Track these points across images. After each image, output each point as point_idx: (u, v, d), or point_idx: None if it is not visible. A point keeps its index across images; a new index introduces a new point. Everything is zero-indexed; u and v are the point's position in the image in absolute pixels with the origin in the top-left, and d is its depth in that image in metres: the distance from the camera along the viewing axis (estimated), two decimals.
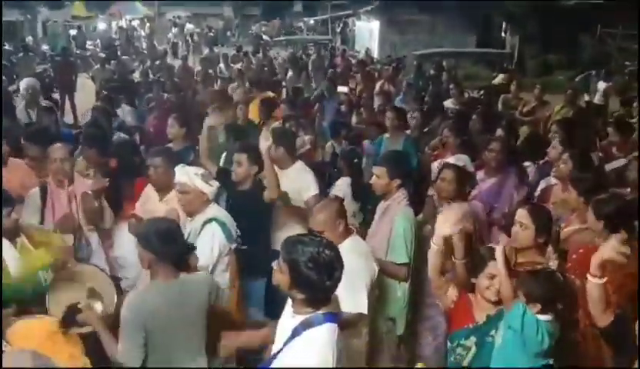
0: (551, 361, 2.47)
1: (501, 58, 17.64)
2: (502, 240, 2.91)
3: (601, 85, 11.19)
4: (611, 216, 3.02)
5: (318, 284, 2.13)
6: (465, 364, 2.63)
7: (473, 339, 2.62)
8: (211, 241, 3.32)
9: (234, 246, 3.49)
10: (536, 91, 8.12)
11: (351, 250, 2.87)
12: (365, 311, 2.85)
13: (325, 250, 2.15)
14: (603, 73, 11.85)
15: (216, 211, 3.49)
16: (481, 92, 10.35)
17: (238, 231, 3.55)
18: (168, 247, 2.64)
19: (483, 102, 8.51)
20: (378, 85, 10.08)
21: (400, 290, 3.50)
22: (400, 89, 10.02)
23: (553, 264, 2.87)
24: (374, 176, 3.60)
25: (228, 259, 3.45)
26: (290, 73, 12.60)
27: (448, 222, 2.77)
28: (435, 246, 2.82)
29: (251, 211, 3.83)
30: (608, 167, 4.86)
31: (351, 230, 3.15)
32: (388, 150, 4.91)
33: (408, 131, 5.87)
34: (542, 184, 4.46)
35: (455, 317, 2.79)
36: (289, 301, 2.33)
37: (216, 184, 3.53)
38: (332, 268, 2.14)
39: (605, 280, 2.39)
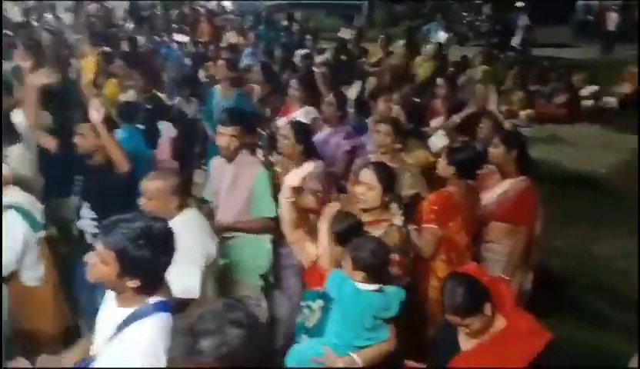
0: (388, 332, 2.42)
1: (352, 9, 17.85)
2: (332, 205, 2.81)
3: (442, 35, 11.81)
4: (461, 163, 3.22)
5: (154, 262, 1.87)
6: (308, 325, 2.53)
7: (320, 302, 2.50)
8: (11, 231, 2.82)
9: (41, 234, 3.00)
10: (380, 42, 8.25)
11: (183, 225, 2.56)
12: (197, 294, 2.58)
13: (153, 223, 1.90)
14: (443, 23, 12.54)
15: (16, 195, 2.95)
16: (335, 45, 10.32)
17: (93, 213, 3.17)
18: None
19: (333, 55, 8.45)
20: (225, 37, 9.55)
21: (268, 244, 3.40)
22: (250, 41, 9.62)
23: (398, 220, 2.84)
24: (225, 136, 3.33)
25: (38, 250, 2.98)
26: (129, 24, 11.46)
27: (296, 175, 2.82)
28: (284, 200, 2.81)
29: (105, 188, 3.31)
30: (433, 123, 4.95)
31: (187, 206, 2.86)
32: (230, 108, 4.48)
33: (255, 86, 5.55)
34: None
35: (310, 276, 2.70)
36: (110, 295, 2.00)
37: (21, 162, 2.97)
38: (166, 240, 1.90)
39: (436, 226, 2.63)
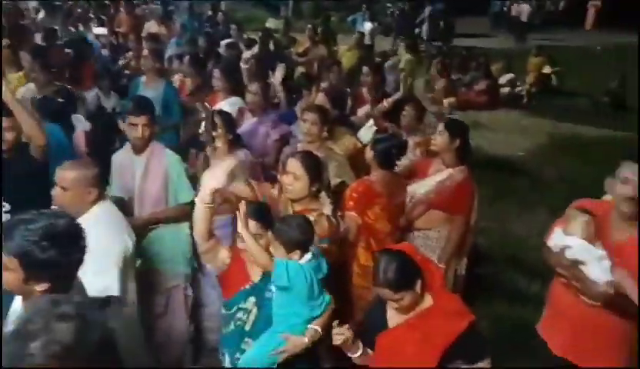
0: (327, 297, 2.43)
1: (278, 0, 17.75)
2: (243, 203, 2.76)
3: (367, 26, 11.98)
4: (382, 152, 3.28)
5: (62, 263, 1.74)
6: (248, 328, 2.44)
7: (252, 299, 2.43)
8: None
9: None
10: (308, 33, 8.26)
11: (100, 220, 2.45)
12: (116, 292, 2.45)
13: (57, 220, 1.77)
14: (368, 14, 12.73)
15: None
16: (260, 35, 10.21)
17: (7, 205, 2.97)
18: None
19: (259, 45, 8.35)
20: (146, 27, 9.17)
21: (187, 228, 3.27)
22: (174, 32, 9.31)
23: (327, 209, 2.83)
24: (138, 126, 3.18)
25: None
26: (41, 14, 10.77)
27: (216, 175, 2.45)
28: (201, 205, 2.46)
29: (20, 178, 3.07)
30: (360, 112, 4.99)
31: (104, 198, 2.69)
32: (137, 96, 4.26)
33: (176, 77, 5.36)
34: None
35: (231, 280, 2.55)
36: (18, 300, 1.87)
37: None
38: (73, 236, 1.79)
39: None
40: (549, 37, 18.17)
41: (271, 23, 11.55)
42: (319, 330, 2.37)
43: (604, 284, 2.30)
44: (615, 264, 2.32)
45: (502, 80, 11.37)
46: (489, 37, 18.32)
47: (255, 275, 2.49)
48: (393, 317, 2.25)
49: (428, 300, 2.22)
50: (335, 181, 3.51)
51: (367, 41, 11.60)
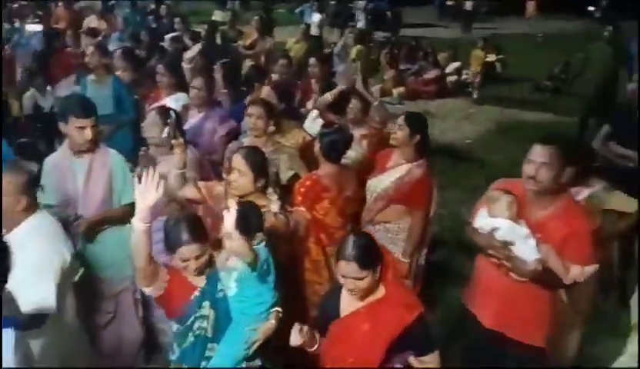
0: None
1: None
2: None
3: (315, 17, 11.95)
4: (327, 146, 3.27)
5: None
6: (210, 333, 2.37)
7: (207, 304, 2.37)
8: None
9: None
10: (254, 24, 8.13)
11: (33, 231, 2.32)
12: (53, 304, 2.32)
13: None
14: (317, 5, 12.69)
15: None
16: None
17: None
18: None
19: (205, 38, 8.18)
20: (85, 22, 8.81)
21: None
22: (115, 26, 8.99)
23: (275, 206, 2.80)
24: (87, 128, 3.05)
25: None
26: None
27: (149, 189, 2.14)
28: (140, 225, 2.14)
29: None
30: (309, 104, 4.94)
31: (36, 207, 2.53)
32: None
33: (118, 73, 5.16)
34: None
35: (174, 296, 2.37)
36: None
37: None
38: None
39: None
40: (493, 25, 18.69)
41: (217, 15, 11.29)
42: (279, 309, 2.41)
43: (533, 262, 2.42)
44: (538, 240, 2.45)
45: (449, 69, 11.59)
46: (436, 26, 18.65)
47: (199, 282, 2.41)
48: (346, 307, 2.28)
49: (380, 291, 2.26)
50: (287, 174, 3.48)
51: (316, 32, 11.58)
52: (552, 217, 2.50)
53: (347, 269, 2.16)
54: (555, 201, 2.52)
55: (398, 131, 3.47)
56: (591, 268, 2.45)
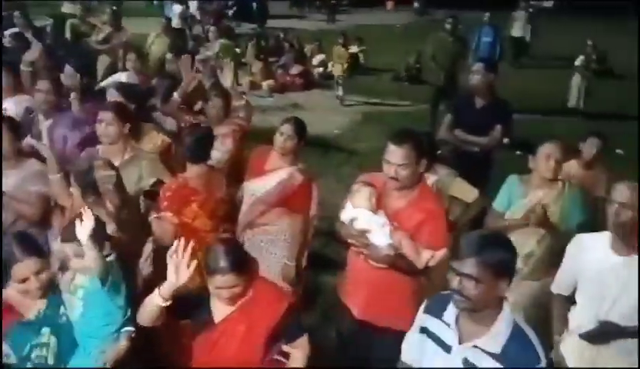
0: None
1: None
2: None
3: (176, 9, 11.53)
4: (189, 147, 3.17)
5: None
6: (52, 361, 2.21)
7: (46, 330, 2.21)
8: None
9: None
10: (106, 17, 7.60)
11: None
12: None
13: None
14: None
15: None
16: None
17: None
18: None
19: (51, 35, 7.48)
20: None
21: None
22: None
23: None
24: None
25: None
26: None
27: None
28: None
29: None
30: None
31: None
32: None
33: None
34: None
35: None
36: None
37: None
38: None
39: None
40: (355, 18, 19.44)
41: (66, 8, 10.34)
42: (133, 329, 2.35)
43: (385, 248, 2.60)
44: (394, 228, 2.64)
45: (315, 61, 11.86)
46: (301, 18, 18.95)
47: (30, 312, 2.25)
48: (219, 314, 2.26)
49: (249, 293, 2.27)
50: (148, 180, 3.29)
51: (177, 24, 11.16)
52: (409, 205, 2.68)
53: (223, 281, 2.14)
54: (413, 191, 2.70)
55: (288, 141, 3.37)
56: (441, 253, 2.61)
